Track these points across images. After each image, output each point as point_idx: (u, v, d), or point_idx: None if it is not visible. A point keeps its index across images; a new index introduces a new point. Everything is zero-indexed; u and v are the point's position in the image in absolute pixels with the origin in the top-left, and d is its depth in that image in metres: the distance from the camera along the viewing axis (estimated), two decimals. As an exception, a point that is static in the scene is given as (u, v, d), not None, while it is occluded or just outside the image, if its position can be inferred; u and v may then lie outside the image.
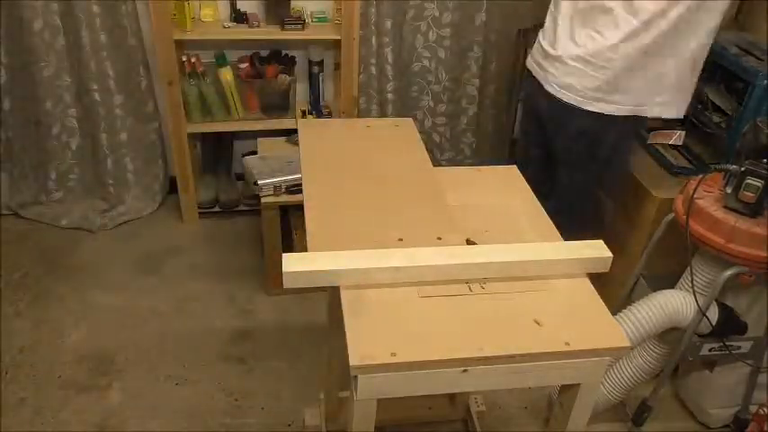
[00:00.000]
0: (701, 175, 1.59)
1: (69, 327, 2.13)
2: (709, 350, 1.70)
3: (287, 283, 1.01)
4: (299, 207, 1.25)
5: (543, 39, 1.77)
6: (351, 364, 0.89)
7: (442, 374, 0.92)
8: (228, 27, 2.36)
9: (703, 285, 1.60)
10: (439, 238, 1.13)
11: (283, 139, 2.56)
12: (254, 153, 2.41)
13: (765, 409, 1.77)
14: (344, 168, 1.35)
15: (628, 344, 0.96)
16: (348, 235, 1.12)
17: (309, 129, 1.49)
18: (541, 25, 1.81)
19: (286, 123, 2.52)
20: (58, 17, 2.31)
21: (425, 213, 1.21)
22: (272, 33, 2.36)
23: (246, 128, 2.54)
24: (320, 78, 2.59)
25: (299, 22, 2.34)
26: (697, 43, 1.60)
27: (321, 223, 1.15)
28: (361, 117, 2.63)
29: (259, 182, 2.13)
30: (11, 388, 1.89)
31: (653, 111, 1.66)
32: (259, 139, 2.52)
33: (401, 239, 1.12)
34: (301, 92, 2.61)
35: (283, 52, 2.51)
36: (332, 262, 1.02)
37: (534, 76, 1.78)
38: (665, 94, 1.65)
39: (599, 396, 1.74)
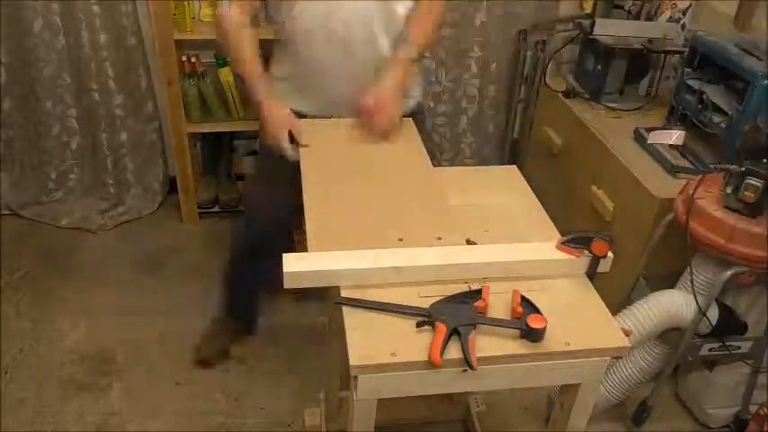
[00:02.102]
0: (700, 175, 1.59)
1: (69, 327, 2.13)
2: (709, 350, 1.70)
3: (287, 284, 1.01)
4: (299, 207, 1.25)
5: None
6: (351, 364, 0.89)
7: (441, 374, 0.92)
8: (228, 27, 2.36)
9: (703, 285, 1.60)
10: (439, 238, 1.13)
11: (283, 139, 2.55)
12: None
13: (765, 409, 1.77)
14: (344, 168, 1.35)
15: (628, 344, 0.96)
16: (348, 235, 1.12)
17: (309, 129, 1.49)
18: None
19: (286, 123, 2.52)
20: (58, 17, 2.31)
21: (425, 213, 1.21)
22: (273, 33, 2.36)
23: (246, 128, 2.54)
24: (320, 78, 2.58)
25: (299, 22, 2.33)
26: None
27: (321, 223, 1.15)
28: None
29: (259, 182, 2.13)
30: (11, 388, 1.89)
31: None
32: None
33: (401, 239, 1.12)
34: (301, 92, 2.61)
35: (283, 52, 2.51)
36: (332, 262, 1.02)
37: None
38: None
39: (599, 396, 1.74)
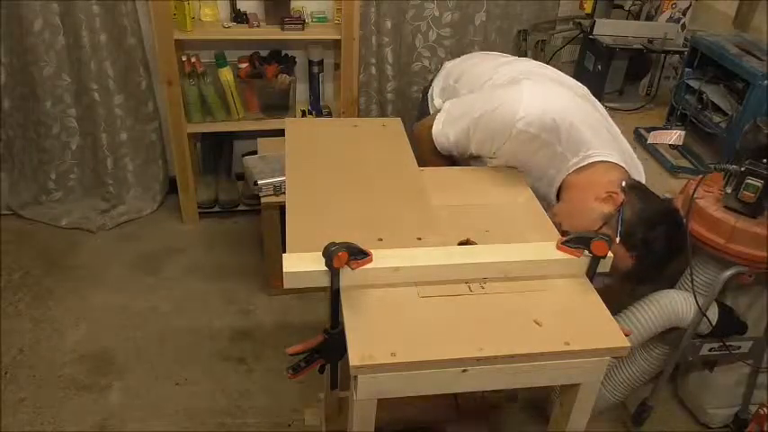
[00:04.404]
0: (700, 175, 1.59)
1: (69, 327, 2.13)
2: (709, 350, 1.70)
3: (287, 283, 1.01)
4: (299, 207, 1.24)
5: None
6: (351, 364, 0.89)
7: (441, 374, 0.92)
8: (228, 27, 2.36)
9: (703, 285, 1.60)
10: (419, 239, 1.13)
11: (283, 138, 2.55)
12: (254, 153, 2.41)
13: (765, 409, 1.77)
14: (328, 168, 1.34)
15: (628, 344, 0.96)
16: (325, 236, 1.08)
17: (295, 128, 1.49)
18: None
19: (286, 123, 2.52)
20: (57, 17, 2.31)
21: (407, 213, 1.20)
22: (272, 33, 2.36)
23: (246, 128, 2.54)
24: (320, 78, 2.58)
25: (299, 22, 2.34)
26: None
27: (300, 224, 1.14)
28: (361, 117, 2.63)
29: (259, 182, 2.13)
30: (11, 388, 1.89)
31: None
32: (259, 139, 2.52)
33: (381, 239, 1.11)
34: (301, 92, 2.61)
35: (283, 52, 2.51)
36: (332, 262, 1.02)
37: None
38: None
39: (599, 396, 1.74)
